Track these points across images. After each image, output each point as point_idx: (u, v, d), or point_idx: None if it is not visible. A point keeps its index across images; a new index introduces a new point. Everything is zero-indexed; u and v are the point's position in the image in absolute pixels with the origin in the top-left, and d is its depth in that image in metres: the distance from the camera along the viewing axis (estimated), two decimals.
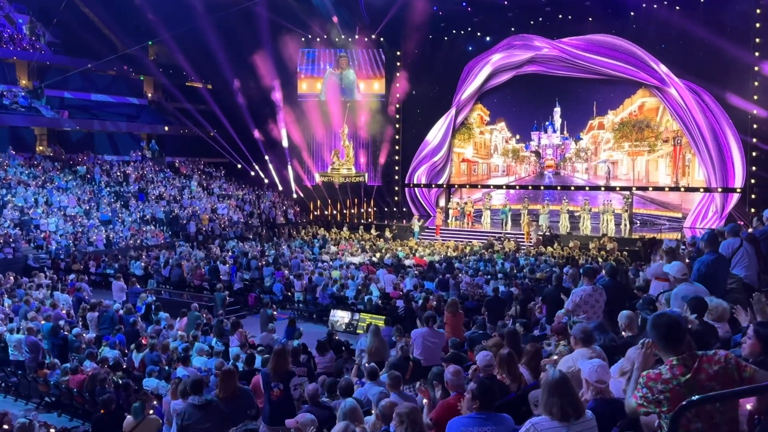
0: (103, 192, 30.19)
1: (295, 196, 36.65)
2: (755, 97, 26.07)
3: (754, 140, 26.56)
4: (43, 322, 12.93)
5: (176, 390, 6.96)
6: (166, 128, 37.37)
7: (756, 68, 25.80)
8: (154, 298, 16.51)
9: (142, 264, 21.69)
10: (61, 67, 33.57)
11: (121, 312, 14.32)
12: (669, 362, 2.94)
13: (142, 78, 38.17)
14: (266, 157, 36.19)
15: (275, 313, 15.05)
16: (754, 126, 26.46)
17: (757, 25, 26.01)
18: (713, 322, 4.99)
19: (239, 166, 37.13)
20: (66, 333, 12.63)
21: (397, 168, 35.76)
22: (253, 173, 37.26)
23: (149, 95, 38.60)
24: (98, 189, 30.39)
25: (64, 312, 14.59)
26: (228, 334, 12.08)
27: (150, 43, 36.48)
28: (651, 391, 2.88)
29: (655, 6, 27.45)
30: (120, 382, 9.65)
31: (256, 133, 35.38)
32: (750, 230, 10.92)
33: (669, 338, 3.02)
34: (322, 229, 31.09)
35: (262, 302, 17.36)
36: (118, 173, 32.71)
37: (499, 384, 5.05)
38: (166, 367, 10.37)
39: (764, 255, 8.06)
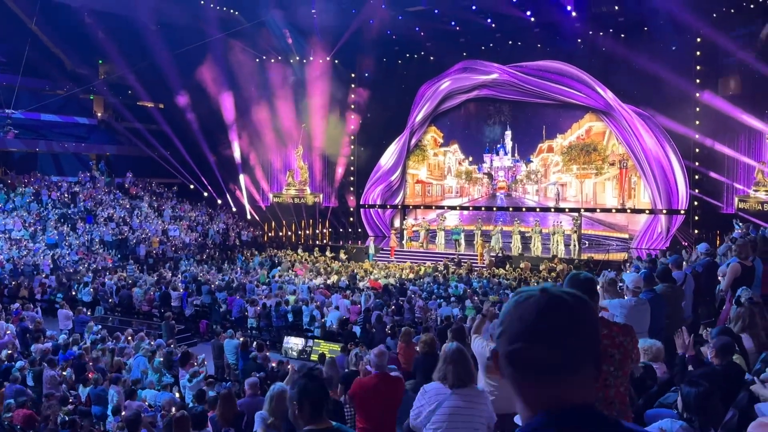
0: (50, 214, 29.39)
1: (249, 217, 36.37)
2: (697, 123, 27.11)
3: (697, 164, 27.59)
4: None
5: None
6: (116, 148, 36.71)
7: (697, 95, 26.83)
8: (100, 327, 16.12)
9: (90, 290, 21.17)
10: (8, 86, 32.73)
11: (68, 341, 13.96)
12: None
13: (91, 98, 37.44)
14: (219, 178, 35.86)
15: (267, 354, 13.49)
16: (696, 150, 27.50)
17: (698, 53, 27.10)
18: (650, 363, 5.20)
19: (192, 186, 36.69)
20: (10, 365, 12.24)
21: (352, 189, 35.85)
22: (206, 194, 36.85)
23: (99, 115, 37.88)
24: (45, 211, 29.57)
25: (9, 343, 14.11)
26: (177, 366, 11.88)
27: (100, 62, 35.94)
28: None
29: (601, 34, 28.37)
30: (66, 418, 9.40)
31: (209, 154, 35.04)
32: (688, 258, 11.34)
33: (584, 293, 3.21)
34: (277, 250, 30.87)
35: (213, 330, 17.13)
36: (66, 195, 31.92)
37: None
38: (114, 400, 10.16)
39: (703, 287, 8.41)
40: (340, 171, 35.70)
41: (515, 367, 1.32)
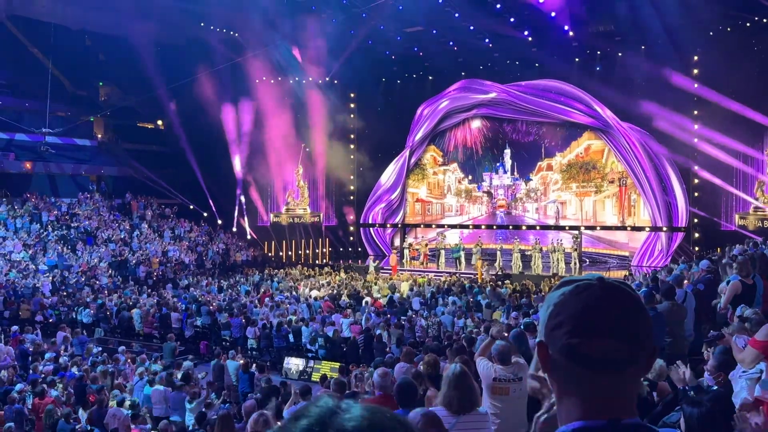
0: (50, 236, 29.35)
1: (249, 237, 36.32)
2: (695, 140, 27.18)
3: (696, 181, 27.66)
4: None
5: None
6: (116, 170, 36.81)
7: (695, 112, 26.95)
8: (101, 349, 16.05)
9: (91, 311, 21.10)
10: (9, 108, 32.91)
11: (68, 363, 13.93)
12: None
13: (92, 119, 37.56)
14: (219, 198, 35.85)
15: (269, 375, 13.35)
16: (695, 168, 27.54)
17: (695, 71, 27.22)
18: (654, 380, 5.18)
19: (191, 207, 36.67)
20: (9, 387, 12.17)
21: (351, 208, 35.89)
22: (206, 214, 36.81)
23: (99, 136, 37.98)
24: (45, 233, 29.54)
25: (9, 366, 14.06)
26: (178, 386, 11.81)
27: (101, 84, 36.14)
28: None
29: (598, 53, 28.59)
30: None
31: (209, 174, 35.06)
32: (689, 274, 11.32)
33: None
34: (277, 270, 30.77)
35: (213, 351, 17.06)
36: (67, 216, 31.91)
37: None
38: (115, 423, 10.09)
39: (705, 305, 8.38)
40: (339, 190, 35.75)
41: (576, 361, 1.23)
